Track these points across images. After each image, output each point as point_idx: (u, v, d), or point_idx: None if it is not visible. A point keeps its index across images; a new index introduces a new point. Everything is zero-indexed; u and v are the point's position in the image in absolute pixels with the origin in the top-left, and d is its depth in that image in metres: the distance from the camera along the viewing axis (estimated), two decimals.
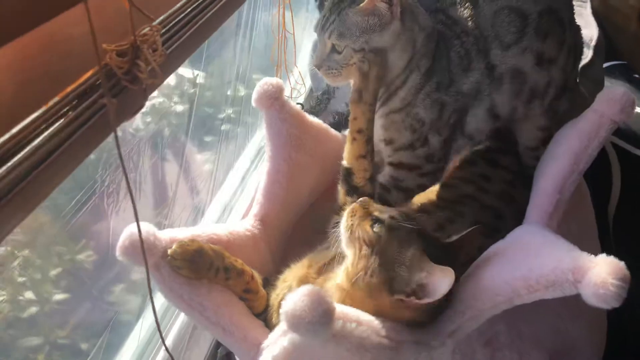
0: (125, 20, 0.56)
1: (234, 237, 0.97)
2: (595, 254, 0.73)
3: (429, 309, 0.80)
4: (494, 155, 1.16)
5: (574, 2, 1.48)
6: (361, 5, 0.94)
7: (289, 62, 1.45)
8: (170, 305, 1.10)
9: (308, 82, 1.67)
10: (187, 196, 1.32)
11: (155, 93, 1.28)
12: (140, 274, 1.11)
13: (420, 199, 1.10)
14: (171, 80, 1.31)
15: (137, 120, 1.24)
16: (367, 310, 0.79)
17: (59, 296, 0.97)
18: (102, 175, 0.97)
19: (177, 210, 1.24)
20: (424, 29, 1.00)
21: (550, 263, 0.76)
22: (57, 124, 0.51)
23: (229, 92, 1.46)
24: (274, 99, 1.03)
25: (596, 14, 1.61)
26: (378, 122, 1.04)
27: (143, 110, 1.24)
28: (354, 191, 1.00)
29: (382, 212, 0.85)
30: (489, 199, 1.09)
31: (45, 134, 0.50)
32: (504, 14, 1.00)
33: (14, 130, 0.47)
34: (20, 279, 0.91)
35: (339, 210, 0.95)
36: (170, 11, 0.66)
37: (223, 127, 1.41)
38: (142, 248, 0.65)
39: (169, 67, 0.65)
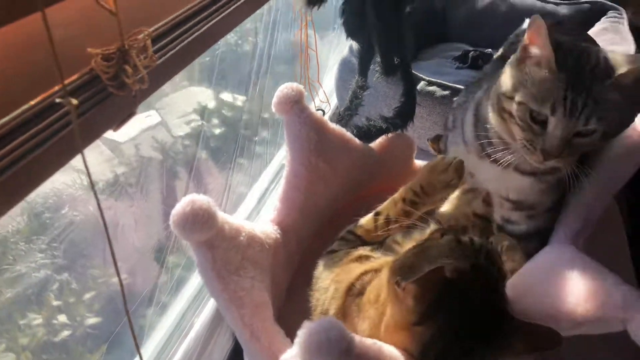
0: (116, 25, 0.54)
1: (265, 237, 0.93)
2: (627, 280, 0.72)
3: (421, 336, 0.70)
4: None
5: (610, 18, 1.52)
6: (618, 76, 0.82)
7: (313, 81, 1.42)
8: (199, 300, 1.13)
9: (334, 101, 1.64)
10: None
11: (194, 116, 1.29)
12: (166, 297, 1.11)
13: None
14: (210, 103, 1.31)
15: (178, 144, 1.25)
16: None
17: (91, 320, 0.96)
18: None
19: None
20: None
21: (599, 297, 0.73)
22: (31, 130, 0.49)
23: (266, 115, 1.46)
24: (294, 103, 1.01)
25: (633, 27, 1.56)
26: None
27: (182, 134, 1.27)
28: None
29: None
30: None
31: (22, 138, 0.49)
32: None
33: None
34: (56, 303, 0.91)
35: None
36: (167, 19, 0.64)
37: (257, 149, 1.40)
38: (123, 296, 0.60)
39: (162, 74, 0.63)
